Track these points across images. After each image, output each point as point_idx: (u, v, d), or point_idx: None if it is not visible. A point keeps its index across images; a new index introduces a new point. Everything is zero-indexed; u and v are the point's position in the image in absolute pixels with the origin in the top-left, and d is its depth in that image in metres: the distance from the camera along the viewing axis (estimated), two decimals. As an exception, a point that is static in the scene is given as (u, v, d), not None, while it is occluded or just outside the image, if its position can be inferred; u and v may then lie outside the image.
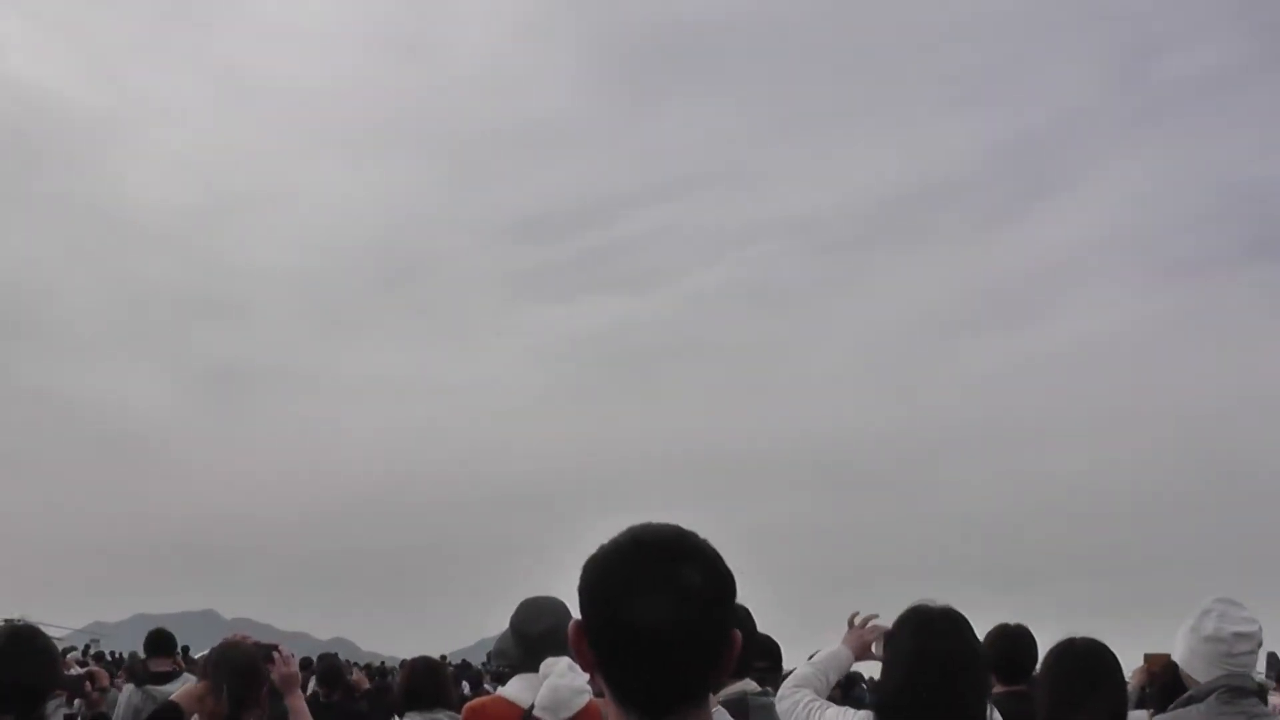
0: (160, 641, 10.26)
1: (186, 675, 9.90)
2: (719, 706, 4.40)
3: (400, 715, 6.39)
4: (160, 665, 10.02)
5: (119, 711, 9.43)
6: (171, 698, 5.30)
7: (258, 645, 5.10)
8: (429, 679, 6.49)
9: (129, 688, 9.68)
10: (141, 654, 11.41)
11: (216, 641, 5.36)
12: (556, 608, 4.58)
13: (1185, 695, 4.49)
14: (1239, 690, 4.29)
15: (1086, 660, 4.63)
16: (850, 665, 4.91)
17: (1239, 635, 4.36)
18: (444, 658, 28.61)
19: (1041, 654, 5.81)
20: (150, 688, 9.43)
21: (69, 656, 24.83)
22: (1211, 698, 4.30)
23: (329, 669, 11.66)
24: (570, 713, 4.36)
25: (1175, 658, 4.67)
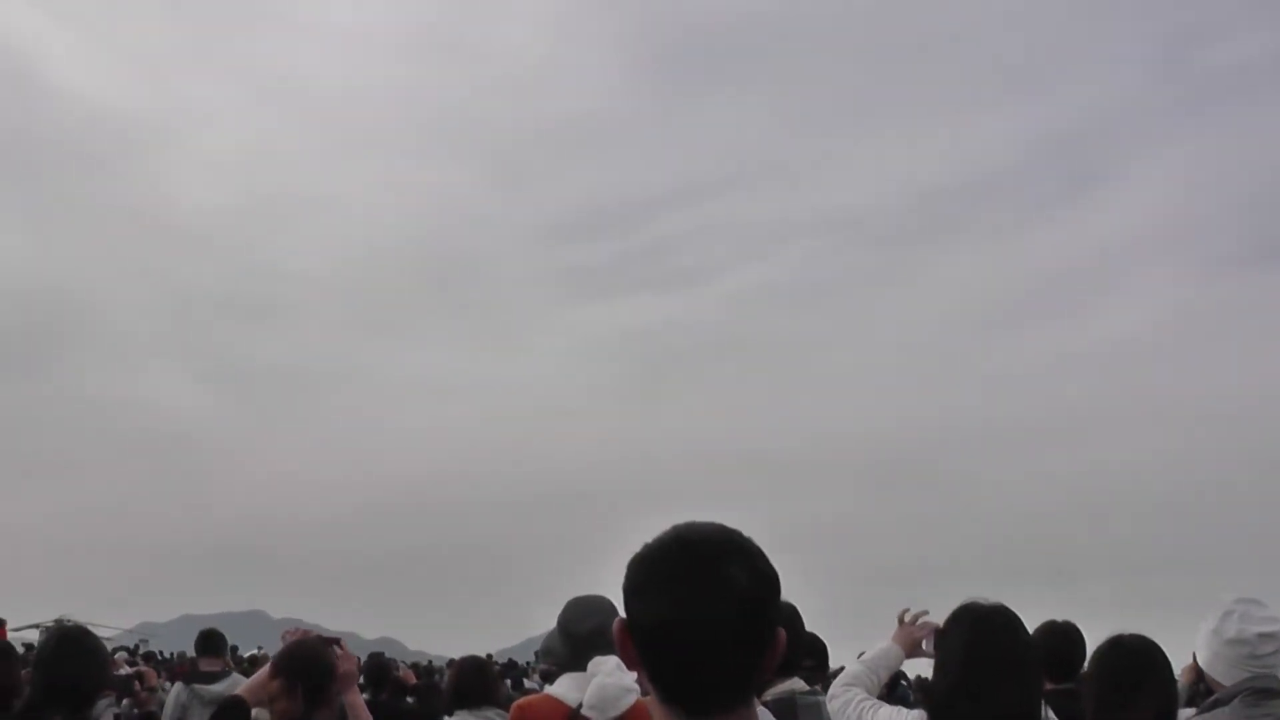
0: (210, 641, 10.50)
1: (235, 675, 10.10)
2: (761, 706, 4.41)
3: (450, 714, 6.40)
4: (210, 665, 10.25)
5: (168, 709, 9.74)
6: (237, 692, 5.35)
7: (320, 639, 5.11)
8: (478, 678, 6.50)
9: (178, 686, 9.95)
10: (191, 653, 11.61)
11: (264, 641, 5.41)
12: (604, 606, 4.57)
13: (1211, 699, 4.45)
14: (1265, 692, 4.22)
15: (1134, 658, 4.54)
16: (901, 663, 4.91)
17: (1263, 636, 4.31)
18: (490, 656, 28.71)
19: (1090, 651, 5.80)
20: (198, 686, 9.68)
21: (118, 656, 25.09)
22: (1237, 700, 4.24)
23: (375, 667, 11.72)
24: (617, 712, 4.35)
25: (1199, 661, 4.62)
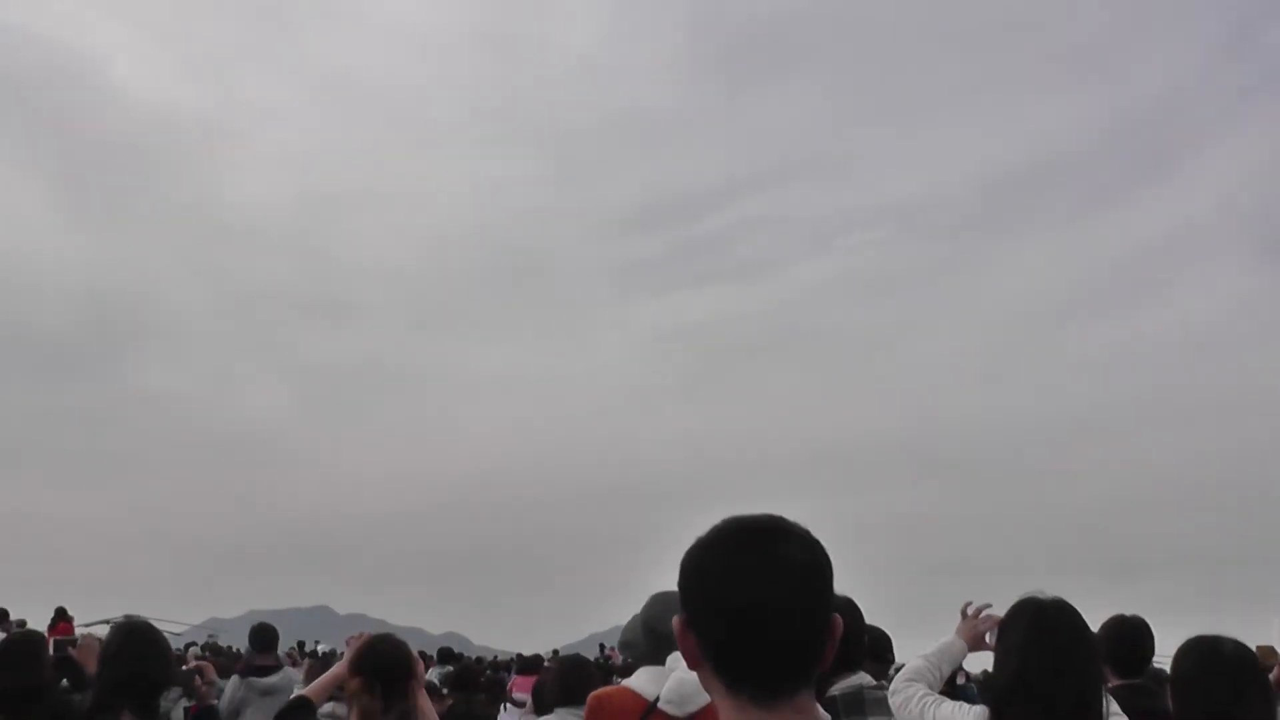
0: (264, 637, 10.98)
1: (288, 669, 10.46)
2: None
3: (550, 710, 6.43)
4: (265, 659, 10.76)
5: (225, 701, 10.30)
6: (303, 691, 5.44)
7: (382, 640, 5.17)
8: (579, 675, 6.52)
9: (234, 679, 10.54)
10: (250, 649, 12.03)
11: (330, 637, 5.50)
12: None
13: None
14: None
15: (1235, 666, 4.35)
16: (964, 656, 4.91)
17: None
18: (556, 652, 28.81)
19: (1160, 646, 5.78)
20: (253, 679, 10.29)
21: (190, 651, 25.38)
22: None
23: (463, 670, 11.90)
24: (695, 706, 4.34)
25: None
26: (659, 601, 4.76)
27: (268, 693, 10.19)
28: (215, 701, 9.94)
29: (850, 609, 5.04)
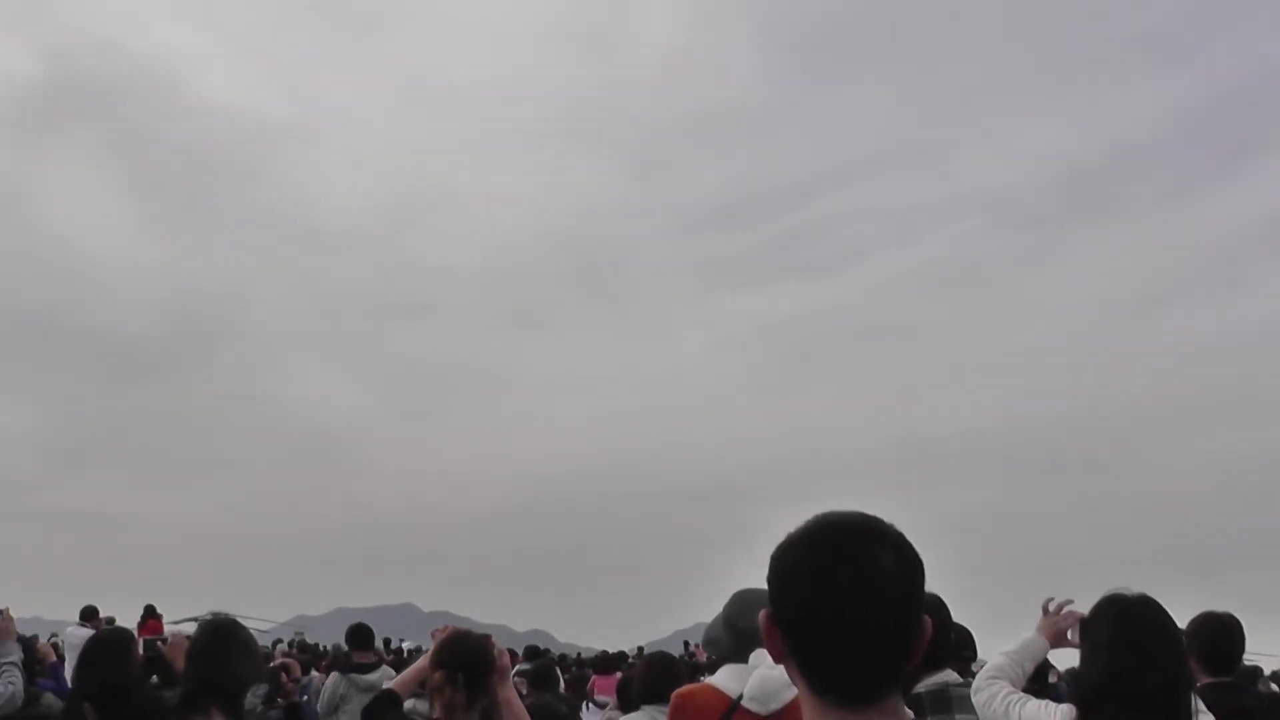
0: (362, 635, 11.19)
1: (386, 666, 10.63)
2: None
3: (636, 708, 6.44)
4: (364, 657, 10.95)
5: (325, 698, 10.52)
6: (389, 685, 5.48)
7: (465, 635, 5.18)
8: (666, 673, 6.51)
9: (334, 676, 10.74)
10: (344, 646, 12.24)
11: (414, 634, 5.53)
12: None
13: None
14: None
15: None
16: (1046, 653, 4.86)
17: None
18: (640, 649, 28.82)
19: (1250, 643, 5.68)
20: (354, 676, 10.48)
21: (278, 649, 25.65)
22: None
23: (543, 668, 11.95)
24: (779, 704, 4.33)
25: None
26: (741, 599, 4.74)
27: (368, 689, 10.28)
28: (303, 699, 10.10)
29: (938, 607, 5.00)
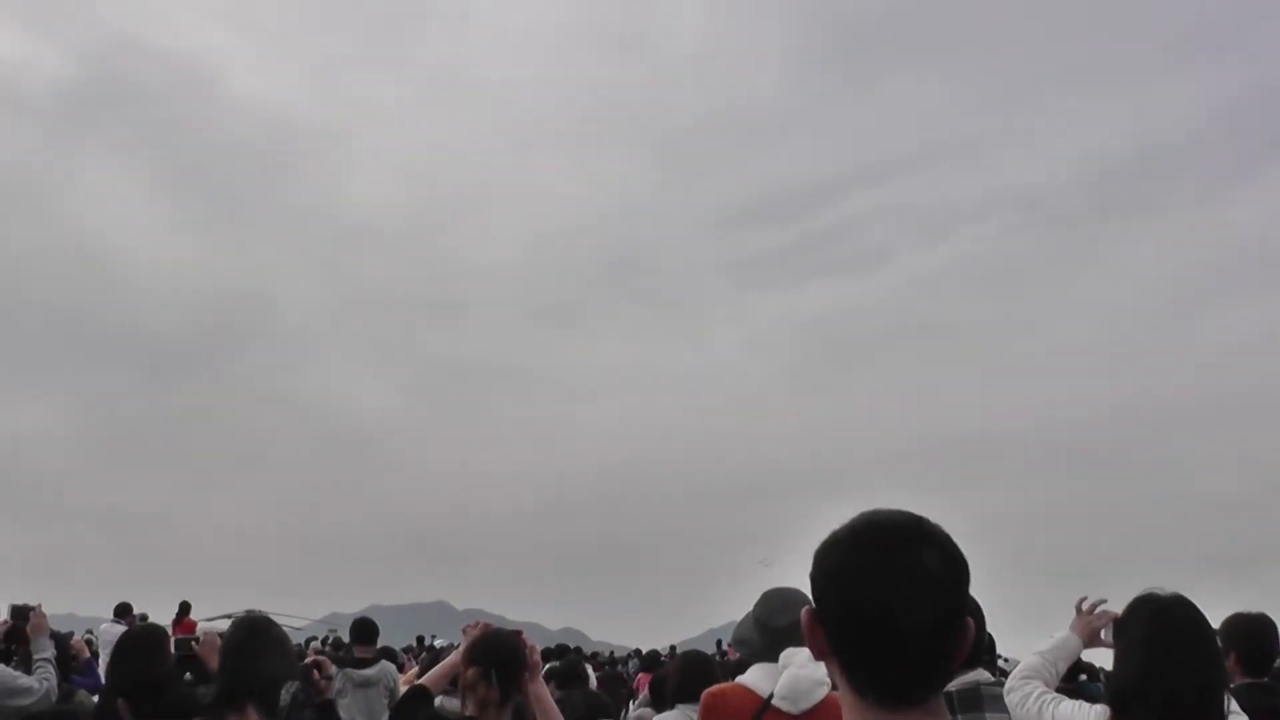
0: (365, 629, 11.38)
1: (384, 663, 10.97)
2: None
3: (671, 707, 6.43)
4: (364, 652, 11.13)
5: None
6: (420, 681, 5.48)
7: (497, 631, 5.19)
8: (700, 671, 6.50)
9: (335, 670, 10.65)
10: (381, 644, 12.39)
11: (448, 631, 5.53)
12: (800, 600, 4.48)
13: None
14: None
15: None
16: (1079, 652, 4.86)
17: None
18: (673, 648, 28.83)
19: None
20: (351, 670, 10.66)
21: (311, 646, 25.77)
22: None
23: (568, 665, 11.98)
24: (810, 704, 4.36)
25: None
26: (772, 598, 4.76)
27: (364, 684, 10.62)
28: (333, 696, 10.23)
29: (974, 608, 5.00)
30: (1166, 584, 4.00)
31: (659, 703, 8.50)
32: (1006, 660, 10.88)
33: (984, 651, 5.46)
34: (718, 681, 5.44)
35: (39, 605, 7.23)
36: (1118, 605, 4.33)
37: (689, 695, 6.28)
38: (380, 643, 12.35)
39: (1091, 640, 4.79)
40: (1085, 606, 4.85)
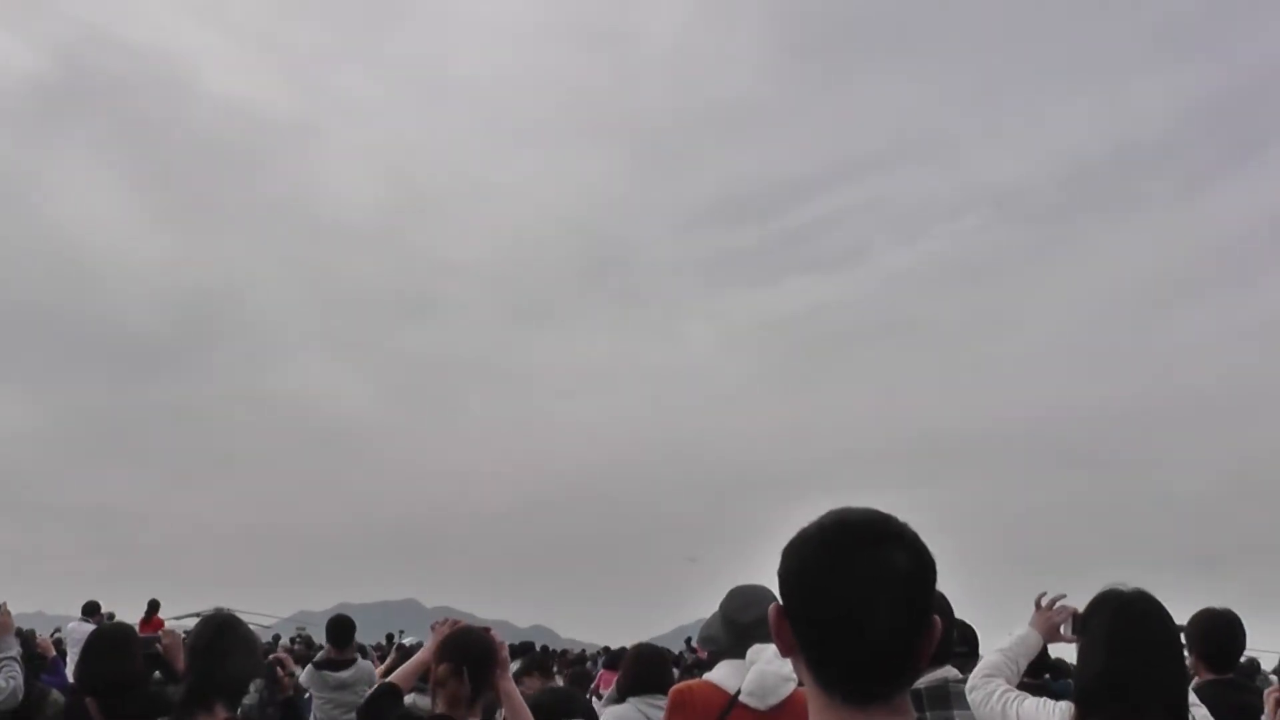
0: (339, 630, 11.13)
1: (362, 662, 10.78)
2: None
3: (623, 700, 6.43)
4: (343, 654, 10.95)
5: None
6: (390, 679, 5.48)
7: (468, 628, 5.19)
8: (654, 666, 6.51)
9: (309, 669, 10.72)
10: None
11: (417, 629, 5.52)
12: (766, 596, 4.50)
13: None
14: None
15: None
16: (1039, 648, 4.85)
17: None
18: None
19: (1250, 639, 5.68)
20: (325, 673, 10.50)
21: (280, 644, 25.70)
22: None
23: (533, 661, 12.00)
24: (776, 699, 4.37)
25: None
26: (738, 595, 4.76)
27: (340, 687, 10.42)
28: (293, 694, 10.17)
29: (941, 605, 5.02)
30: (1139, 581, 4.00)
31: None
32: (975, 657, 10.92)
33: (954, 647, 5.46)
34: (671, 675, 5.44)
35: (4, 603, 7.18)
36: (1082, 601, 4.35)
37: (642, 688, 6.31)
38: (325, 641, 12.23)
39: (1051, 635, 4.80)
40: (1044, 602, 4.85)
